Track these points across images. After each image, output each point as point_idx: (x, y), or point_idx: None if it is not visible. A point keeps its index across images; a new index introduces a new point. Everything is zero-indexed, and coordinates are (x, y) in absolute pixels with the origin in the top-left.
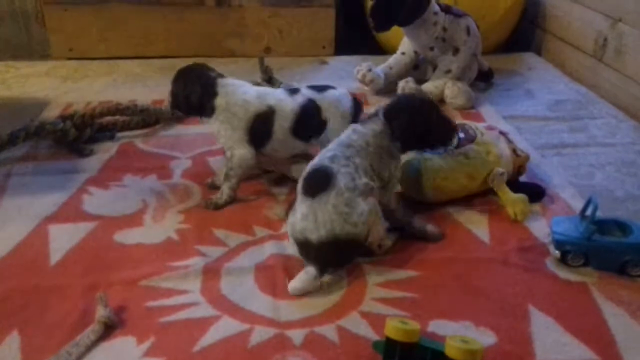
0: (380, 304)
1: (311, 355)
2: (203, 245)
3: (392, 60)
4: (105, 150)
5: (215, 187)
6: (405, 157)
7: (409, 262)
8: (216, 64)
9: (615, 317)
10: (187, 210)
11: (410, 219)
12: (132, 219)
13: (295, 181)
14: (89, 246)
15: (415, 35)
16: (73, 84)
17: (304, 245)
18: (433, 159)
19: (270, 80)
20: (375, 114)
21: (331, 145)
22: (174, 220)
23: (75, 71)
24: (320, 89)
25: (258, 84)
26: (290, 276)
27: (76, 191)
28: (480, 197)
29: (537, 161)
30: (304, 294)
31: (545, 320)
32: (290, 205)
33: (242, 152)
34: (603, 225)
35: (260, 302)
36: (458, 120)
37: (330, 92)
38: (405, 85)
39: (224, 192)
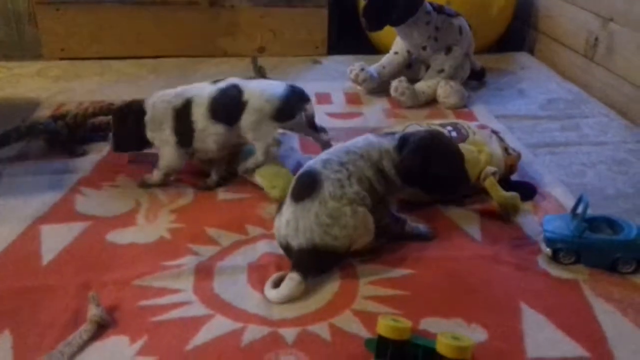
0: (372, 302)
1: (304, 354)
2: (196, 244)
3: (385, 59)
4: (98, 151)
5: (146, 185)
6: None
7: (401, 260)
8: (209, 64)
9: (606, 314)
10: (180, 209)
11: (403, 224)
12: (125, 219)
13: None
14: (81, 246)
15: (408, 35)
16: (65, 84)
17: (286, 250)
18: None
19: None
20: (394, 134)
21: (331, 149)
22: (167, 220)
23: (67, 71)
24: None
25: None
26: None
27: (68, 191)
28: (472, 195)
29: (528, 160)
30: (290, 300)
31: (537, 317)
32: (280, 205)
33: (169, 152)
34: (594, 223)
35: (253, 301)
36: (451, 119)
37: (262, 81)
38: (399, 85)
39: (154, 175)
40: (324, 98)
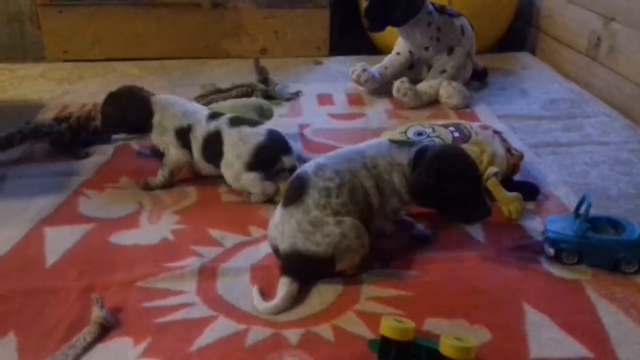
0: (375, 303)
1: (307, 355)
2: (199, 245)
3: (387, 60)
4: (101, 153)
5: (149, 188)
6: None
7: (403, 261)
8: (211, 66)
9: (609, 314)
10: (183, 210)
11: (412, 229)
12: (128, 221)
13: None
14: (85, 248)
15: (410, 36)
16: (68, 86)
17: (275, 252)
18: None
19: (265, 81)
20: (412, 145)
21: (334, 152)
22: (170, 221)
23: (70, 73)
24: (243, 122)
25: (248, 87)
26: None
27: (72, 193)
28: None
29: (531, 160)
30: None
31: (540, 318)
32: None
33: (176, 151)
34: (596, 223)
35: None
36: (453, 119)
37: (242, 130)
38: (401, 85)
39: (158, 177)
40: (326, 99)
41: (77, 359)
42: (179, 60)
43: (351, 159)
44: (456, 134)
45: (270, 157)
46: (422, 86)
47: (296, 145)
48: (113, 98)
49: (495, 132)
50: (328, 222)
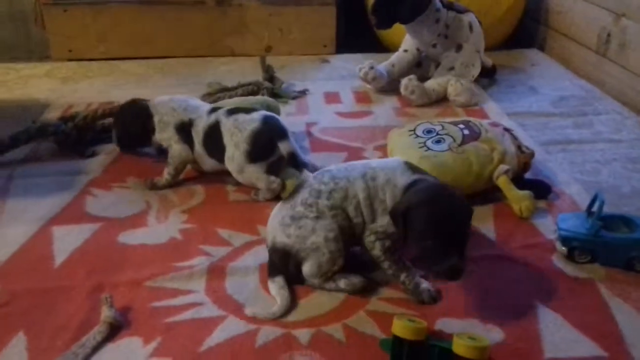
0: (386, 303)
1: (319, 355)
2: (207, 245)
3: (394, 57)
4: (108, 152)
5: (155, 187)
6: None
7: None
8: (217, 64)
9: (623, 313)
10: (191, 210)
11: (401, 274)
12: (136, 220)
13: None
14: (93, 247)
15: (418, 33)
16: (74, 85)
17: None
18: (438, 156)
19: (272, 80)
20: (412, 172)
21: (350, 163)
22: (178, 220)
23: (75, 72)
24: (239, 111)
25: (254, 85)
26: None
27: (79, 193)
28: (485, 194)
29: (541, 158)
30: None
31: (553, 317)
32: None
33: (178, 147)
34: (609, 222)
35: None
36: (461, 117)
37: (238, 118)
38: (409, 83)
39: (164, 176)
40: (333, 97)
41: (87, 358)
42: (184, 58)
43: (355, 169)
44: (466, 132)
45: (267, 142)
46: (430, 84)
47: (304, 144)
48: (115, 118)
49: (506, 129)
50: (307, 215)
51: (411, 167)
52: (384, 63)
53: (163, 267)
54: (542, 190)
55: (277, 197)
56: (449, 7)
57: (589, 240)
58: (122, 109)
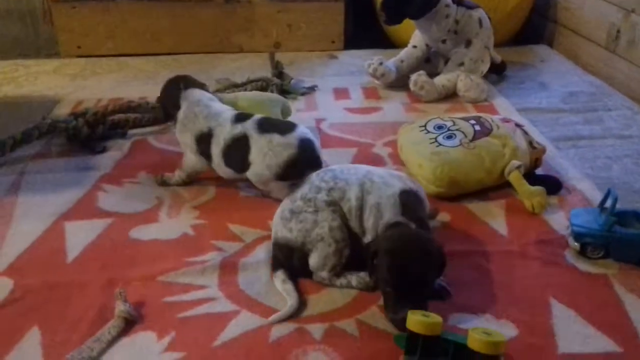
0: None
1: (332, 349)
2: (219, 240)
3: (403, 53)
4: (118, 148)
5: (166, 184)
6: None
7: None
8: (225, 60)
9: (637, 309)
10: (202, 206)
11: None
12: (147, 216)
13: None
14: (105, 243)
15: (427, 28)
16: (83, 82)
17: None
18: (449, 152)
19: (280, 76)
20: (403, 210)
21: (350, 166)
22: (189, 216)
23: (84, 69)
24: (272, 128)
25: (263, 81)
26: None
27: (91, 188)
28: (497, 190)
29: (552, 153)
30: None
31: (567, 313)
32: None
33: (194, 157)
34: (622, 217)
35: (278, 297)
36: (471, 113)
37: (273, 137)
38: (418, 79)
39: (175, 175)
40: (342, 93)
41: (102, 352)
42: (193, 55)
43: (357, 173)
44: (477, 127)
45: (301, 171)
46: (439, 79)
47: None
48: (162, 87)
49: (517, 125)
50: (306, 209)
51: (404, 205)
52: (393, 59)
53: (175, 262)
54: (553, 186)
55: None
56: (459, 3)
57: (603, 235)
58: (168, 81)
